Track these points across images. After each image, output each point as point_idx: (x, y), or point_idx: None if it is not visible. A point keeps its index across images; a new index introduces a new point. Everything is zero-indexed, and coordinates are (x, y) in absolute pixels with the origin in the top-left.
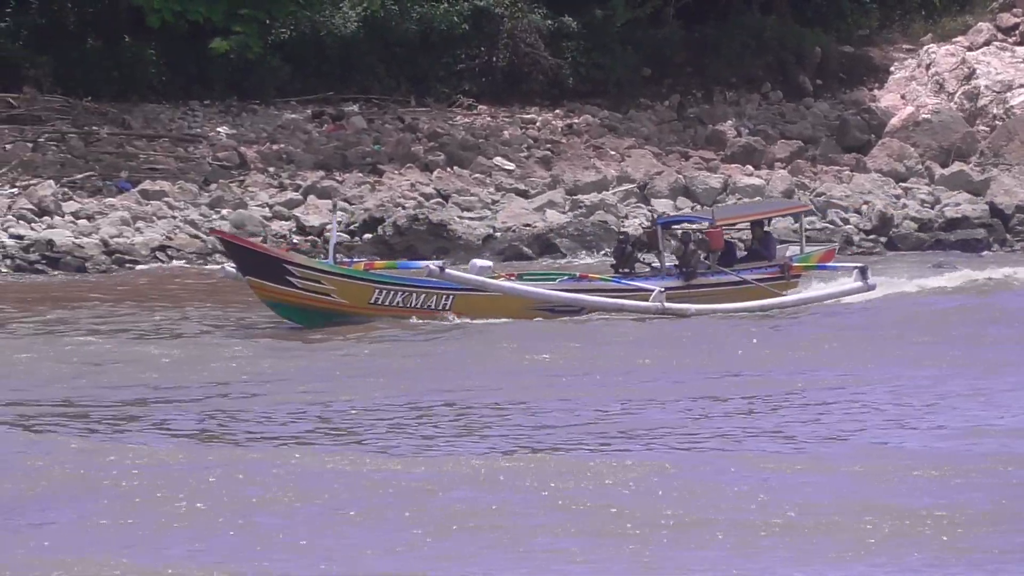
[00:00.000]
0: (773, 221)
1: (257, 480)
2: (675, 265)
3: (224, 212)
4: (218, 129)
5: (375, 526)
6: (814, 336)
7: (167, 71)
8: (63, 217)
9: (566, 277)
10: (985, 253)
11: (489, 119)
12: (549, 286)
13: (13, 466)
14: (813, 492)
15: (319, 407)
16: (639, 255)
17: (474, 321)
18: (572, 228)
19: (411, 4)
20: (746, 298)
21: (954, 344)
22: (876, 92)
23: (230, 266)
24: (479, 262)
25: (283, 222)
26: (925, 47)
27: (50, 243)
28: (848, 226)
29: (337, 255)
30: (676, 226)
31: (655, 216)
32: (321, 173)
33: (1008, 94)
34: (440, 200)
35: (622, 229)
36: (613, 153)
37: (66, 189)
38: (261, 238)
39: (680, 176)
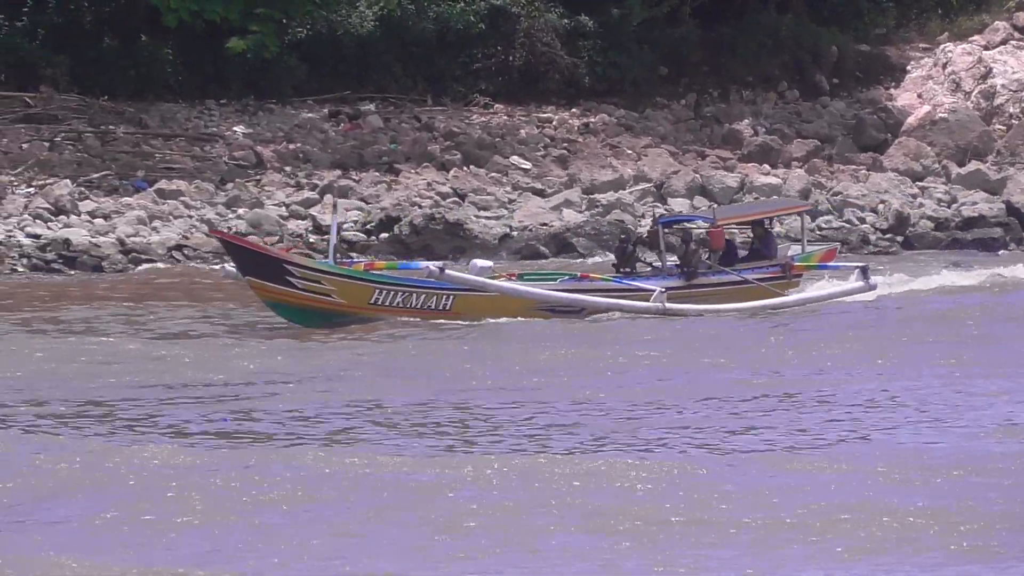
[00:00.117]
0: (787, 221)
1: (268, 480)
2: (676, 265)
3: (241, 211)
4: (235, 128)
5: (386, 526)
6: (822, 335)
7: (184, 70)
8: (80, 216)
9: (566, 277)
10: (1002, 252)
11: (505, 118)
12: (549, 286)
13: (23, 465)
14: (826, 492)
15: (329, 407)
16: (640, 255)
17: (475, 321)
18: (589, 227)
19: (428, 3)
20: (748, 298)
21: (970, 343)
22: (893, 91)
23: (230, 266)
24: (479, 262)
25: (300, 221)
26: (942, 46)
27: (67, 242)
28: (865, 225)
29: (337, 255)
30: (677, 226)
31: (656, 216)
32: (338, 172)
33: None
34: (457, 199)
35: (623, 229)
36: (630, 152)
37: (83, 188)
38: (278, 237)
39: (697, 175)
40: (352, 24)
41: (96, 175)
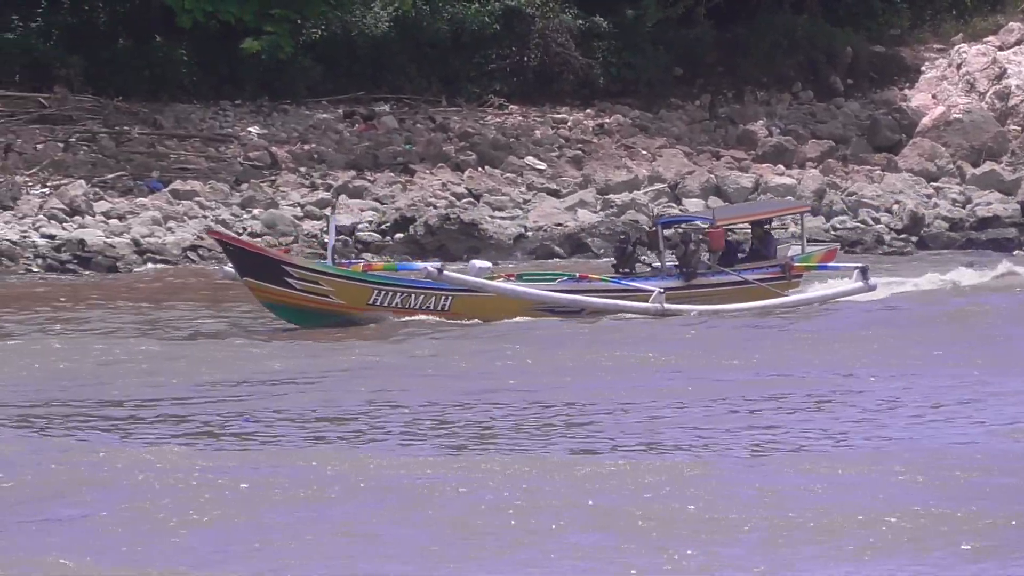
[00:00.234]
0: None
1: (276, 482)
2: (676, 265)
3: (255, 212)
4: (249, 129)
5: (396, 527)
6: (831, 335)
7: (198, 71)
8: (94, 217)
9: (565, 278)
10: (1016, 252)
11: (520, 119)
12: (548, 287)
13: (30, 465)
14: (838, 492)
15: (339, 408)
16: (640, 255)
17: (476, 322)
18: (603, 228)
19: (442, 4)
20: (748, 298)
21: (982, 343)
22: (907, 92)
23: (228, 267)
24: (478, 263)
25: (314, 222)
26: (956, 47)
27: (81, 243)
28: (879, 226)
29: (335, 256)
30: (677, 226)
31: (656, 216)
32: (352, 173)
33: None
34: (471, 200)
35: (623, 229)
36: (644, 153)
37: (97, 189)
38: (293, 238)
39: (711, 176)
40: (367, 25)
41: (111, 176)
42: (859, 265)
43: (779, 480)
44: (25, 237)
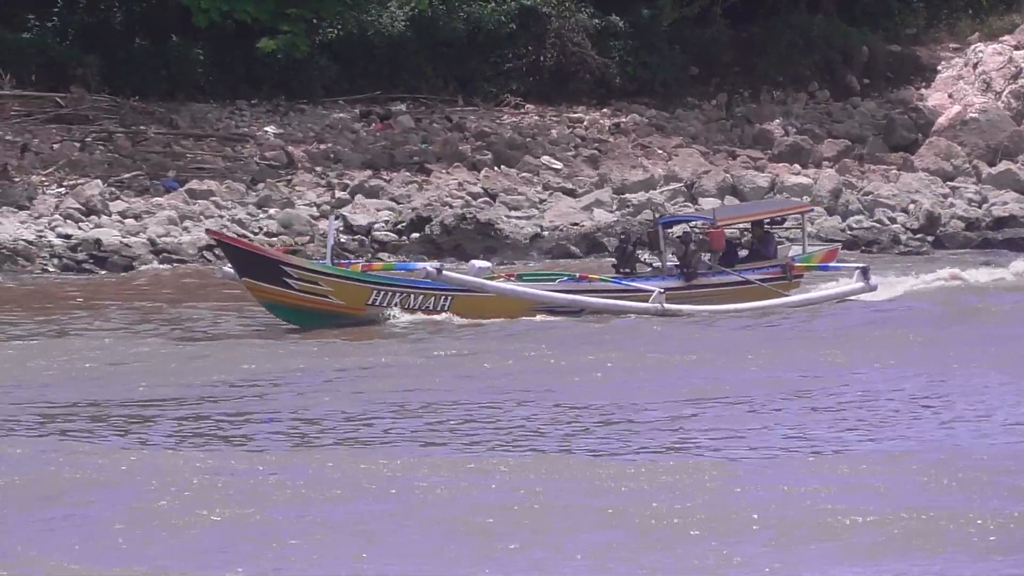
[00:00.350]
0: (817, 222)
1: (286, 483)
2: (676, 265)
3: (272, 211)
4: (265, 128)
5: (406, 528)
6: (840, 334)
7: (214, 70)
8: (110, 216)
9: (565, 278)
10: None
11: (536, 118)
12: (548, 287)
13: (38, 466)
14: (850, 494)
15: (349, 409)
16: (641, 255)
17: (477, 322)
18: (619, 227)
19: (458, 3)
20: (749, 299)
21: (989, 342)
22: (923, 91)
23: (227, 267)
24: (477, 263)
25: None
26: (972, 46)
27: (97, 242)
28: (895, 225)
29: (334, 256)
30: (677, 226)
31: (656, 216)
32: (369, 172)
33: None
34: (488, 199)
35: (623, 229)
36: (660, 152)
37: (113, 188)
38: (309, 237)
39: (727, 175)
40: (383, 24)
41: (127, 175)
42: (860, 265)
43: (793, 480)
44: (41, 237)
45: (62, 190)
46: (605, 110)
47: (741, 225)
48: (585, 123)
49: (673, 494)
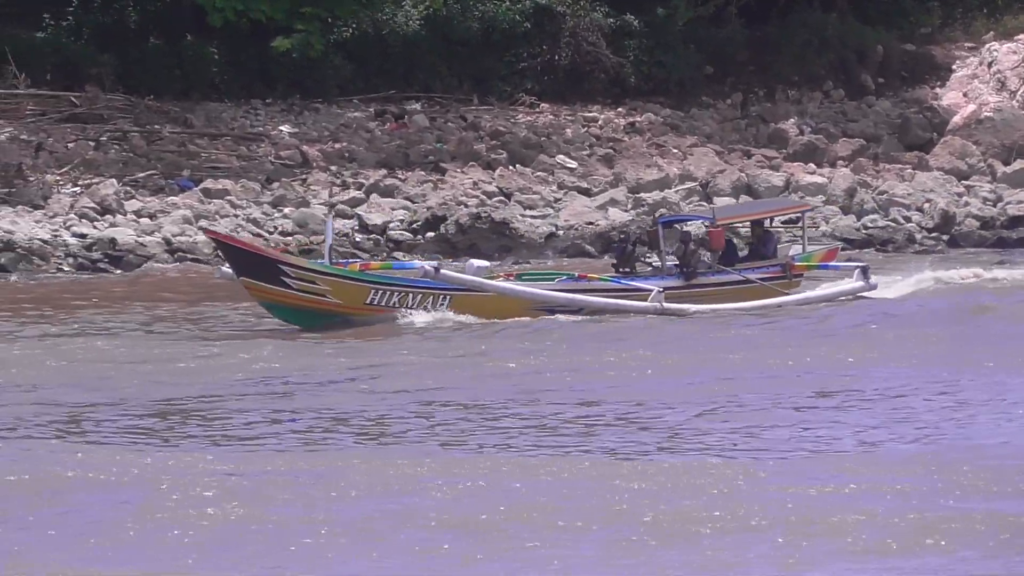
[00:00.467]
0: (832, 220)
1: (296, 485)
2: (676, 265)
3: (286, 210)
4: (280, 128)
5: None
6: (849, 334)
7: (229, 70)
8: (125, 216)
9: (564, 277)
10: None
11: (551, 117)
12: (547, 286)
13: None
14: (865, 493)
15: (360, 410)
16: (641, 254)
17: (478, 321)
18: (634, 226)
19: (473, 2)
20: (749, 298)
21: (997, 341)
22: (938, 90)
23: (225, 267)
24: (476, 262)
25: (346, 220)
26: (987, 45)
27: (112, 242)
28: (910, 224)
29: (332, 256)
30: (677, 225)
31: (656, 215)
32: (383, 172)
33: None
34: (502, 198)
35: (622, 229)
36: (675, 151)
37: (128, 188)
38: (323, 236)
39: (742, 174)
40: (398, 23)
41: (142, 174)
42: (860, 264)
43: (805, 480)
44: (56, 236)
45: (77, 189)
46: (620, 109)
47: (740, 224)
48: (600, 122)
49: (688, 493)
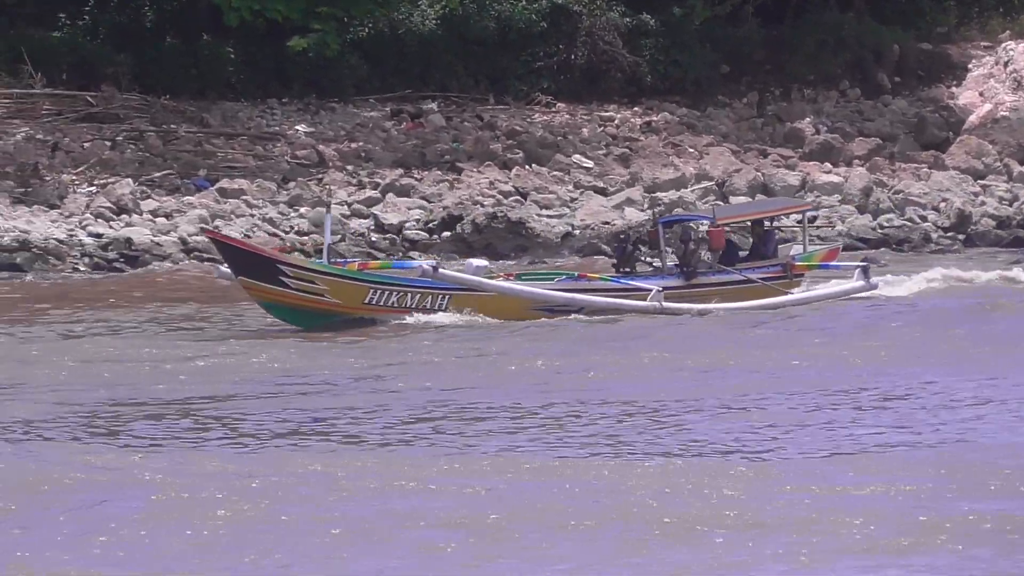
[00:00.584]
0: (848, 219)
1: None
2: (676, 264)
3: (302, 210)
4: (296, 127)
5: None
6: (856, 334)
7: (245, 69)
8: (141, 215)
9: (564, 276)
10: None
11: (567, 117)
12: (546, 286)
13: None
14: (875, 493)
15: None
16: (641, 254)
17: (478, 320)
18: (650, 226)
19: (489, 1)
20: (749, 297)
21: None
22: (954, 89)
23: (224, 267)
24: (475, 262)
25: (362, 220)
26: (1003, 44)
27: (128, 241)
28: (926, 223)
29: (330, 255)
30: (677, 225)
31: (656, 215)
32: (400, 171)
33: None
34: (519, 198)
35: (623, 228)
36: (691, 151)
37: (144, 187)
38: (340, 236)
39: (758, 174)
40: (414, 23)
41: (158, 174)
42: (861, 264)
43: (818, 480)
44: (72, 236)
45: (93, 189)
46: (636, 108)
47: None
48: (616, 122)
49: (701, 493)
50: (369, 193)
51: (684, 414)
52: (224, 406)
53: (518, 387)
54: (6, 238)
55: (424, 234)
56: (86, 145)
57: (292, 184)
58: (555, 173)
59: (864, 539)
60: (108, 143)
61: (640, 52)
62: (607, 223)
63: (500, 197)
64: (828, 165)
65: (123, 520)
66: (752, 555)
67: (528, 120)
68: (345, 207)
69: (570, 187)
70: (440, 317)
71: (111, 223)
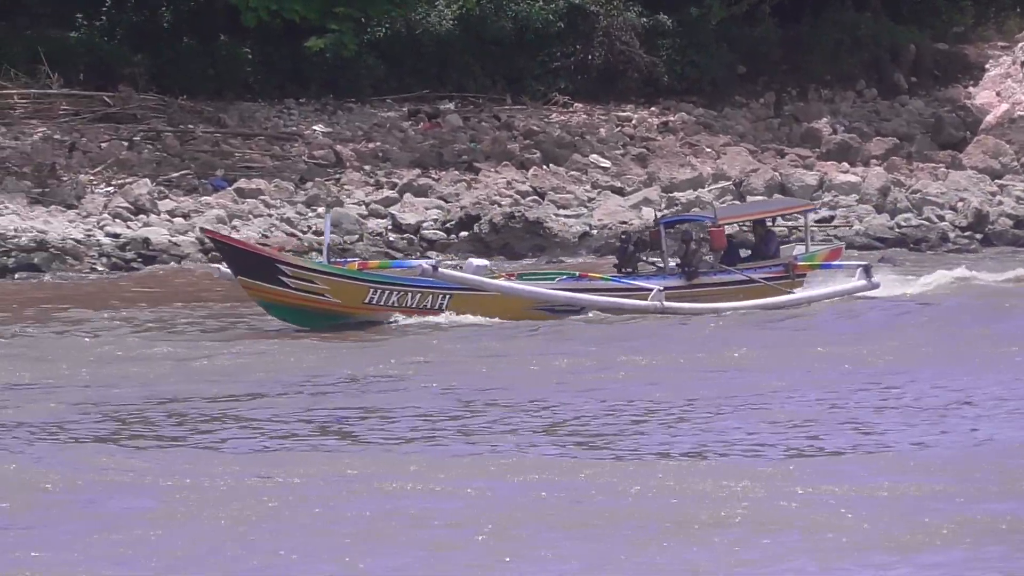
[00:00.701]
0: (865, 219)
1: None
2: (678, 264)
3: (320, 210)
4: (314, 127)
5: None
6: (861, 334)
7: (263, 69)
8: (159, 215)
9: (565, 276)
10: None
11: (585, 117)
12: (547, 285)
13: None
14: (884, 492)
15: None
16: (642, 254)
17: (476, 320)
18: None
19: (506, 2)
20: (751, 297)
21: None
22: (971, 89)
23: (224, 267)
24: (475, 261)
25: (379, 220)
26: (1020, 44)
27: (146, 241)
28: (944, 223)
29: (330, 255)
30: (679, 225)
31: (657, 215)
32: (417, 171)
33: None
34: (536, 198)
35: (623, 229)
36: (708, 150)
37: (162, 187)
38: (358, 236)
39: (776, 173)
40: (431, 23)
41: (175, 174)
42: (863, 263)
43: (834, 480)
44: (90, 236)
45: (110, 189)
46: (653, 108)
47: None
48: (633, 122)
49: (708, 495)
50: (387, 193)
51: (697, 414)
52: (239, 406)
53: (537, 387)
54: (24, 238)
55: (442, 234)
56: (103, 145)
57: (310, 184)
58: (572, 173)
59: (876, 538)
60: (125, 143)
61: (657, 52)
62: (624, 223)
63: (517, 197)
64: (845, 165)
65: (133, 520)
66: (764, 554)
67: (545, 120)
68: (363, 207)
69: (587, 187)
70: (453, 319)
71: (129, 223)
